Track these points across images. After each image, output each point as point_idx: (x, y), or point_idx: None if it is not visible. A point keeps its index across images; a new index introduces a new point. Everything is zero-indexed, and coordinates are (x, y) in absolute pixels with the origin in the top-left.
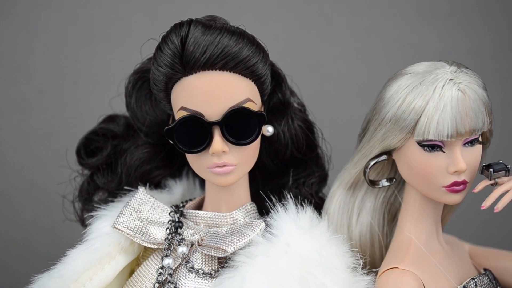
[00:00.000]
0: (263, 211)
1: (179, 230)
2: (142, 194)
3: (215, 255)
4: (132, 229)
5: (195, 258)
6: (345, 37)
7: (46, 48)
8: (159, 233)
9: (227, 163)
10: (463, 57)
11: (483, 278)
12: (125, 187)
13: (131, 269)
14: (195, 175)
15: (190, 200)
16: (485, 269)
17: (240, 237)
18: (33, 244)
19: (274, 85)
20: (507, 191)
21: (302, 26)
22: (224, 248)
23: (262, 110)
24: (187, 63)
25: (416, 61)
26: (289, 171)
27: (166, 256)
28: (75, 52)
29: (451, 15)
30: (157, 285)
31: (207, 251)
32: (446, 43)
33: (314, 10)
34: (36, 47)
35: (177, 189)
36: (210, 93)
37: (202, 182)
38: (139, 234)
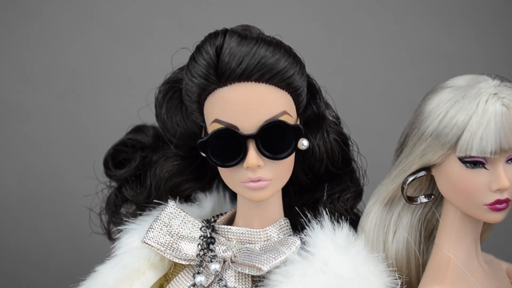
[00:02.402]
0: (296, 226)
1: (211, 246)
2: (172, 208)
3: (249, 273)
4: (162, 244)
5: (228, 276)
6: (381, 47)
7: (72, 55)
8: (190, 249)
9: (262, 178)
10: (491, 65)
11: None
12: (154, 200)
13: (160, 285)
14: (225, 188)
15: (221, 214)
16: None
17: (276, 255)
18: (55, 256)
19: (309, 97)
20: None
21: (330, 35)
22: (259, 266)
23: (298, 123)
24: (222, 74)
25: (447, 70)
26: (323, 186)
27: (198, 273)
28: (103, 59)
29: (479, 23)
30: None
31: (241, 269)
32: (475, 51)
33: (341, 19)
34: (62, 53)
35: (207, 203)
36: (246, 105)
37: (233, 196)
38: (169, 250)
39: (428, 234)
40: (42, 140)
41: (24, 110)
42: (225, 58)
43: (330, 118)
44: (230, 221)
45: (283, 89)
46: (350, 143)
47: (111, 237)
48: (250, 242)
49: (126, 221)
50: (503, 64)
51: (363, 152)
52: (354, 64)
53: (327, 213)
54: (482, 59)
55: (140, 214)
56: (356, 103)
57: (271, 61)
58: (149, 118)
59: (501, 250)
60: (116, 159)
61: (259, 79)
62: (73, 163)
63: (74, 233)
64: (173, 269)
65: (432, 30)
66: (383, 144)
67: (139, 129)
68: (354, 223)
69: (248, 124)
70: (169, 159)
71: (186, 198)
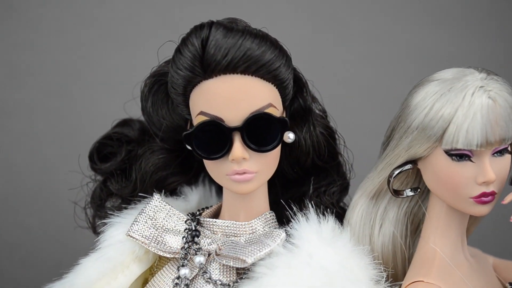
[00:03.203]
0: (282, 220)
1: (196, 239)
2: (157, 201)
3: (234, 265)
4: (147, 237)
5: (213, 269)
6: (367, 43)
7: (56, 49)
8: (175, 242)
9: (247, 171)
10: (478, 62)
11: None
12: (140, 194)
13: (144, 279)
14: (211, 182)
15: (207, 208)
16: (510, 283)
17: (261, 247)
18: (40, 251)
19: (295, 90)
20: None
21: (317, 30)
22: (244, 258)
23: (284, 116)
24: (207, 66)
25: (432, 66)
26: (309, 179)
27: (183, 266)
28: (88, 53)
29: (466, 20)
30: None
31: (226, 261)
32: (462, 48)
33: (328, 15)
34: (46, 47)
35: (193, 196)
36: (231, 97)
37: (219, 189)
38: (154, 243)
39: (414, 228)
40: (27, 134)
41: (8, 105)
42: (211, 50)
43: (317, 111)
44: (216, 214)
45: (269, 82)
46: (336, 136)
47: (96, 231)
48: (235, 235)
49: (111, 214)
50: (493, 62)
51: (349, 146)
52: (342, 59)
53: (312, 206)
54: (471, 56)
55: (125, 208)
56: (343, 97)
57: (257, 53)
58: (135, 112)
59: (491, 246)
60: (101, 153)
61: (245, 71)
62: (58, 157)
63: (60, 228)
64: (158, 263)
65: (421, 27)
66: (370, 137)
67: (125, 123)
68: (340, 216)
69: (234, 116)
70: (154, 152)
71: (171, 191)
